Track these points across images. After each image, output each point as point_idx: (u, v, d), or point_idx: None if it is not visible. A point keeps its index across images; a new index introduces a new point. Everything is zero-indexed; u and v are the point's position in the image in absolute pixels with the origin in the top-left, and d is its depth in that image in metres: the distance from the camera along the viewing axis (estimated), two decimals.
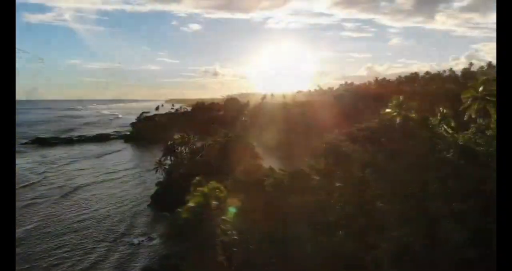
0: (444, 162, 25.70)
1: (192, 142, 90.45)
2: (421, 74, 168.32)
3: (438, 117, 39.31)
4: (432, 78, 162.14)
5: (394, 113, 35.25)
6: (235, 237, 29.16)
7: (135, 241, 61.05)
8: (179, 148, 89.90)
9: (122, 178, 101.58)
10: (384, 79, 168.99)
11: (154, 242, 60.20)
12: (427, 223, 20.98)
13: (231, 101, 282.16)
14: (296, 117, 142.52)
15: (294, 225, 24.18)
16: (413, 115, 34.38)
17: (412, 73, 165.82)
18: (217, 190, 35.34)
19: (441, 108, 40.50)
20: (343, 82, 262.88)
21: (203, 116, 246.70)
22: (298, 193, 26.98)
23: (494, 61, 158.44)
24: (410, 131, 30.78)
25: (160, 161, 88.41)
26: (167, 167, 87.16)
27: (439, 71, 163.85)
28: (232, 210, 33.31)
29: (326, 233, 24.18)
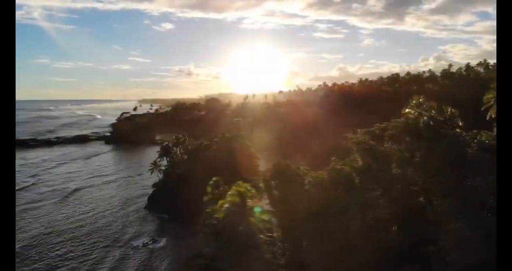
0: (476, 159, 27.00)
1: (187, 142, 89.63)
2: (391, 74, 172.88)
3: (447, 117, 40.86)
4: (412, 79, 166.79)
5: (416, 113, 36.54)
6: (278, 235, 29.63)
7: (140, 243, 60.25)
8: (174, 148, 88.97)
9: (114, 181, 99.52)
10: (366, 80, 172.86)
11: (161, 244, 59.61)
12: (475, 216, 22.12)
13: (212, 101, 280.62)
14: (285, 117, 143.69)
15: (345, 222, 24.81)
16: (434, 115, 35.71)
17: (393, 74, 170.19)
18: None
19: (448, 108, 42.12)
20: (316, 82, 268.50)
21: (185, 116, 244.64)
22: (342, 190, 27.72)
23: (463, 62, 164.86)
24: (437, 131, 32.13)
25: (155, 161, 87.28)
26: (162, 168, 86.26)
27: (419, 72, 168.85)
28: (259, 209, 33.75)
29: (379, 229, 25.10)
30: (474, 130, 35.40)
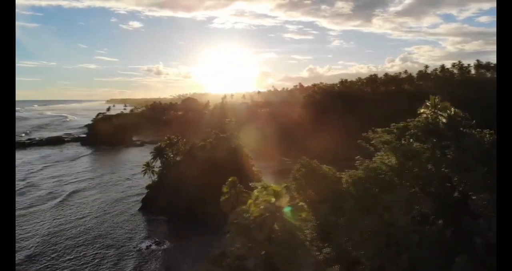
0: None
1: (181, 143, 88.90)
2: (359, 75, 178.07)
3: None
4: (389, 80, 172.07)
5: (432, 113, 38.23)
6: (318, 233, 30.32)
7: (144, 246, 59.53)
8: (167, 149, 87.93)
9: (104, 183, 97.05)
10: (346, 80, 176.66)
11: (165, 246, 59.11)
12: None
13: (188, 101, 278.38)
14: (267, 117, 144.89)
15: (390, 218, 25.87)
16: (450, 114, 37.51)
17: (371, 75, 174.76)
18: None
19: (452, 107, 44.23)
20: (287, 83, 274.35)
21: (162, 117, 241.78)
22: (382, 188, 28.82)
23: (428, 63, 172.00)
24: (458, 130, 33.91)
25: (148, 163, 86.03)
26: (155, 169, 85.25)
27: (395, 73, 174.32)
28: (289, 208, 34.39)
29: (425, 223, 26.36)
30: (478, 129, 37.47)
